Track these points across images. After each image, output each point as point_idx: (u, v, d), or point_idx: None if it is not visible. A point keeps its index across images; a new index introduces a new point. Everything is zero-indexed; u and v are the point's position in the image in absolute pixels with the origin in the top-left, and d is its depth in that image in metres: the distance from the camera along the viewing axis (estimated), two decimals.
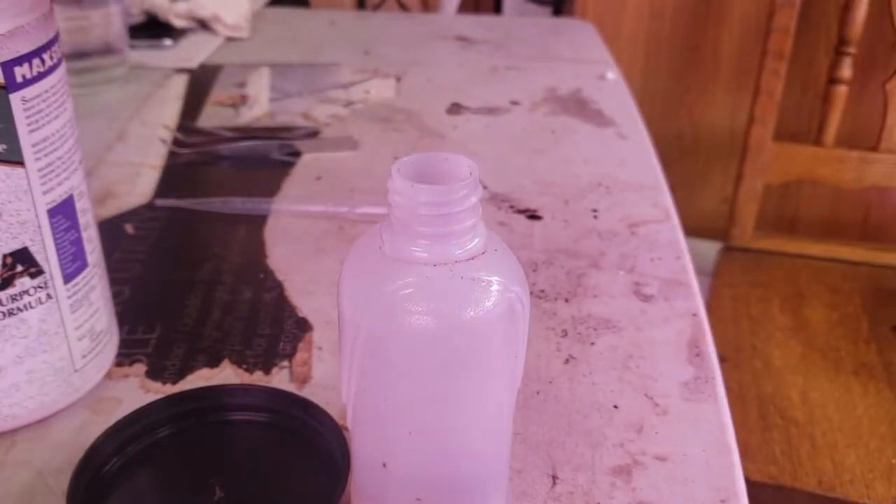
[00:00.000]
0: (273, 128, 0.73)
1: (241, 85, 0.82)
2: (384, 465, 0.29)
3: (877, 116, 1.19)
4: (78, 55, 0.78)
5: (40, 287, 0.37)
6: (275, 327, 0.47)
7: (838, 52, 1.18)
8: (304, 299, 0.50)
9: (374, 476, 0.30)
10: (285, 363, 0.44)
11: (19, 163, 0.35)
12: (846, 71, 1.18)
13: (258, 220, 0.58)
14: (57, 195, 0.37)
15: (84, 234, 0.39)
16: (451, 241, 0.26)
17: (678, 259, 0.54)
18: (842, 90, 1.18)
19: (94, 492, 0.33)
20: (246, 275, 0.52)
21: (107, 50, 0.80)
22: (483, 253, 0.27)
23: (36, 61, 0.34)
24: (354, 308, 0.27)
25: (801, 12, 1.19)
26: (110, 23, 0.80)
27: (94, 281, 0.40)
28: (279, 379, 0.43)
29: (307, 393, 0.41)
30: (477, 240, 0.27)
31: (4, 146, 0.34)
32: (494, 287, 0.27)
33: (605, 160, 0.67)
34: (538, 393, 0.42)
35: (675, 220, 0.59)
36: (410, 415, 0.25)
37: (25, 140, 0.34)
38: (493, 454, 0.30)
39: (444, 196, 0.26)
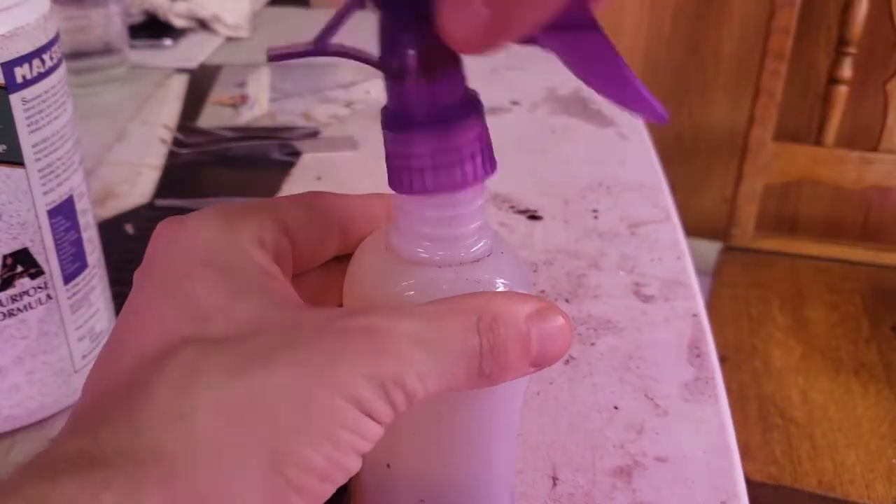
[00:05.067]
0: (273, 128, 0.73)
1: (241, 85, 0.82)
2: (388, 465, 0.29)
3: (877, 116, 1.20)
4: (78, 55, 0.78)
5: (40, 288, 0.37)
6: None
7: (838, 52, 1.18)
8: None
9: (378, 477, 0.29)
10: None
11: (19, 163, 0.35)
12: (846, 71, 1.18)
13: None
14: (57, 196, 0.37)
15: (84, 235, 0.39)
16: (457, 243, 0.26)
17: (678, 259, 0.54)
18: (842, 90, 1.18)
19: None
20: None
21: (107, 50, 0.80)
22: (489, 255, 0.27)
23: (36, 62, 0.34)
24: (360, 306, 0.27)
25: (801, 12, 1.19)
26: (110, 23, 0.80)
27: (95, 281, 0.40)
28: None
29: None
30: (483, 242, 0.27)
31: (4, 147, 0.34)
32: (500, 289, 0.26)
33: (605, 160, 0.67)
34: (538, 393, 0.42)
35: (676, 220, 0.59)
36: (414, 415, 0.25)
37: (25, 141, 0.34)
38: (499, 455, 0.30)
39: (449, 197, 0.25)
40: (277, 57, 0.24)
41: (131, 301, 0.25)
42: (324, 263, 0.29)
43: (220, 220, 0.25)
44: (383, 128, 0.25)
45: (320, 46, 0.24)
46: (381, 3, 0.23)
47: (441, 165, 0.24)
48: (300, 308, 0.24)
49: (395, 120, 0.24)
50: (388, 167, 0.25)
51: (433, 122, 0.24)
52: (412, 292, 0.26)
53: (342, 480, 0.22)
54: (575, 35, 0.23)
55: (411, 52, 0.23)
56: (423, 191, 0.25)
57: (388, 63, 0.24)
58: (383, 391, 0.22)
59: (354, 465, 0.22)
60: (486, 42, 0.21)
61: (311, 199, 0.28)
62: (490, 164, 0.25)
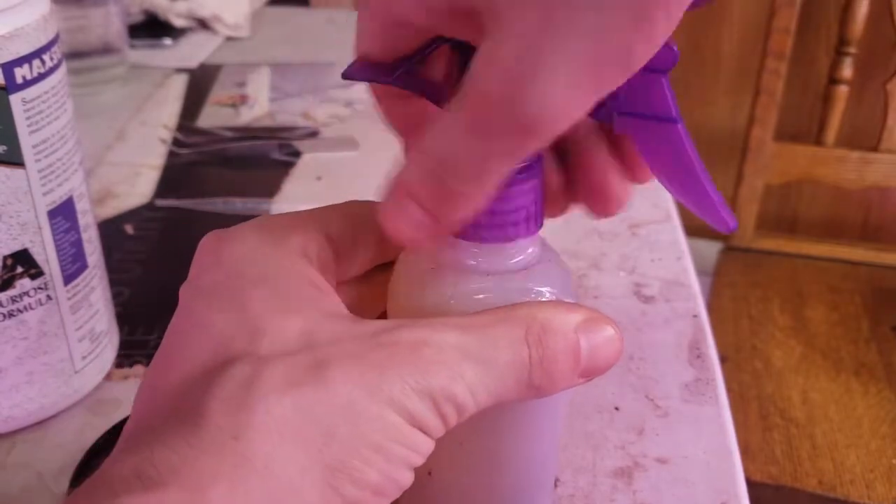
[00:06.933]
0: (273, 128, 0.73)
1: (241, 85, 0.82)
2: (429, 472, 0.28)
3: (877, 116, 1.20)
4: (78, 55, 0.78)
5: (40, 288, 0.37)
6: None
7: (838, 52, 1.18)
8: None
9: (418, 483, 0.29)
10: None
11: (20, 164, 0.34)
12: (846, 71, 1.18)
13: None
14: (57, 196, 0.36)
15: (84, 236, 0.39)
16: (505, 251, 0.26)
17: (679, 260, 0.54)
18: (842, 90, 1.18)
19: None
20: None
21: (107, 50, 0.80)
22: (537, 263, 0.26)
23: (36, 62, 0.34)
24: (405, 314, 0.26)
25: (802, 12, 1.19)
26: (110, 22, 0.80)
27: (94, 282, 0.40)
28: None
29: None
30: (531, 250, 0.26)
31: (5, 147, 0.34)
32: (546, 298, 0.26)
33: None
34: None
35: (676, 220, 0.59)
36: (461, 425, 0.24)
37: (26, 141, 0.34)
38: (542, 464, 0.30)
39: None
40: (351, 77, 0.25)
41: (179, 317, 0.24)
42: (365, 272, 0.29)
43: (265, 234, 0.25)
44: None
45: (398, 78, 0.24)
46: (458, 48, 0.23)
47: (490, 225, 0.24)
48: (349, 322, 0.24)
49: None
50: None
51: None
52: (458, 300, 0.25)
53: (395, 495, 0.22)
54: (652, 126, 0.23)
55: None
56: (466, 238, 0.25)
57: None
58: (434, 405, 0.22)
59: (407, 479, 0.22)
60: (426, 239, 0.23)
61: (352, 209, 0.28)
62: (537, 222, 0.25)
